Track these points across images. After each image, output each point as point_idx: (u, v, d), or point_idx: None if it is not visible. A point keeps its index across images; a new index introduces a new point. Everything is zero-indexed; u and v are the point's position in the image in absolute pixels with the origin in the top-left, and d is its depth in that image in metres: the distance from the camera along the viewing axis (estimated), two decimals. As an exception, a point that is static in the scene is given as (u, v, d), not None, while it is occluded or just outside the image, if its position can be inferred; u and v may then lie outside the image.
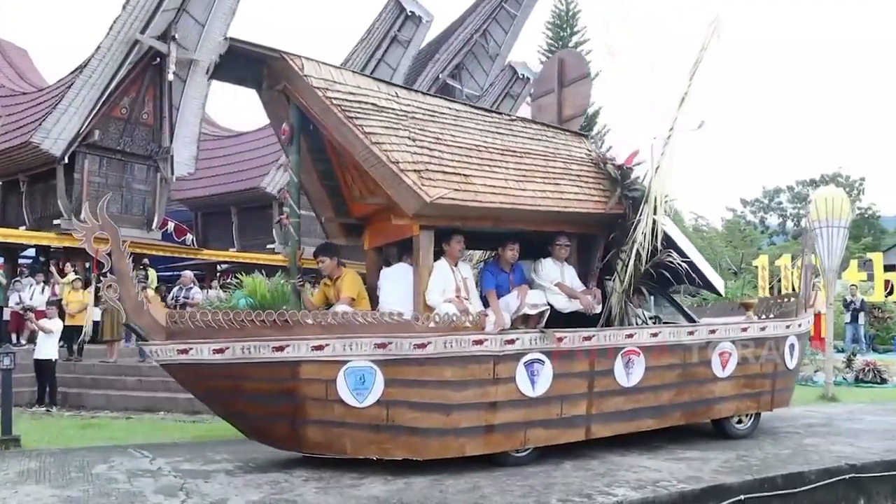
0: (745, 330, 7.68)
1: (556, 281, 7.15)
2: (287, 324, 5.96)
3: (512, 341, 6.33)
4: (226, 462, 7.01)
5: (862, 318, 21.01)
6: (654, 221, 6.81)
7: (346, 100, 6.44)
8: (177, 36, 21.74)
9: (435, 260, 6.68)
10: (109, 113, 21.49)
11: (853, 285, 21.91)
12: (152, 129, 22.66)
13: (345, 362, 5.94)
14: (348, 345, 5.95)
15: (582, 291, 7.26)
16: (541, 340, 6.44)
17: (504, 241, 7.10)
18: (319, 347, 5.93)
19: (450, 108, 7.22)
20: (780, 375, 7.99)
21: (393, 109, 6.65)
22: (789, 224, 62.63)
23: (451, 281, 6.66)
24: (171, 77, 22.02)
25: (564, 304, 7.07)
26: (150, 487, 5.95)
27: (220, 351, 5.84)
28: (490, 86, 33.59)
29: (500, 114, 7.76)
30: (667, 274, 7.18)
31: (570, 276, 7.32)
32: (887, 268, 27.27)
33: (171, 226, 25.66)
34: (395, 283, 6.85)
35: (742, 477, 6.19)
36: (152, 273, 19.76)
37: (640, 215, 6.82)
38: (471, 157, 6.73)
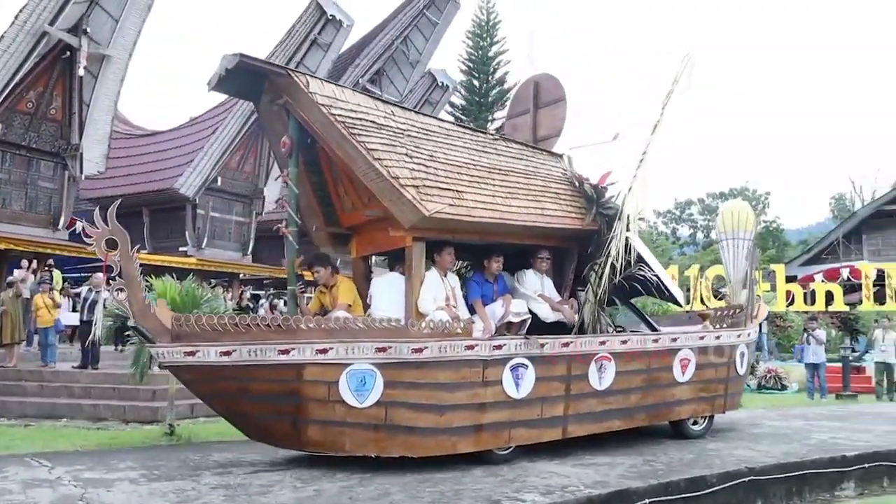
0: (702, 338, 8.80)
1: (538, 291, 8.09)
2: (291, 328, 6.64)
3: (500, 347, 7.17)
4: (130, 470, 7.19)
5: (765, 326, 22.73)
6: (627, 238, 7.80)
7: (349, 117, 7.16)
8: (88, 30, 21.80)
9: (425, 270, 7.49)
10: (14, 107, 21.38)
11: (756, 295, 23.56)
12: (61, 124, 22.63)
13: (347, 365, 6.62)
14: (350, 348, 6.64)
15: (559, 302, 8.21)
16: (525, 346, 7.32)
17: (490, 254, 7.96)
18: (323, 351, 6.59)
19: (441, 127, 8.05)
20: (732, 380, 9.16)
21: (390, 127, 7.42)
22: (699, 235, 66.17)
23: (441, 290, 7.48)
24: (81, 72, 22.03)
25: (547, 314, 8.00)
26: (47, 498, 5.98)
27: (227, 353, 6.42)
28: (409, 92, 34.63)
29: (485, 133, 8.65)
30: (637, 286, 8.21)
31: (549, 287, 8.27)
32: (789, 279, 29.65)
33: (79, 226, 25.51)
34: (387, 290, 7.60)
35: (647, 481, 6.60)
36: (57, 274, 19.72)
37: (614, 232, 7.80)
38: (461, 174, 7.57)
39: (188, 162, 25.76)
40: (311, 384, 6.62)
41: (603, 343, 7.87)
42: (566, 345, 7.61)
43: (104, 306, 14.01)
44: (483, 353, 7.06)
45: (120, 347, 16.80)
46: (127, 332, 11.00)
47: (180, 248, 25.80)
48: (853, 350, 21.38)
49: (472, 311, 7.74)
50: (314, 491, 6.25)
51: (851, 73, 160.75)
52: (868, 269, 28.41)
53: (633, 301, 9.29)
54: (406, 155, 7.23)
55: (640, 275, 7.98)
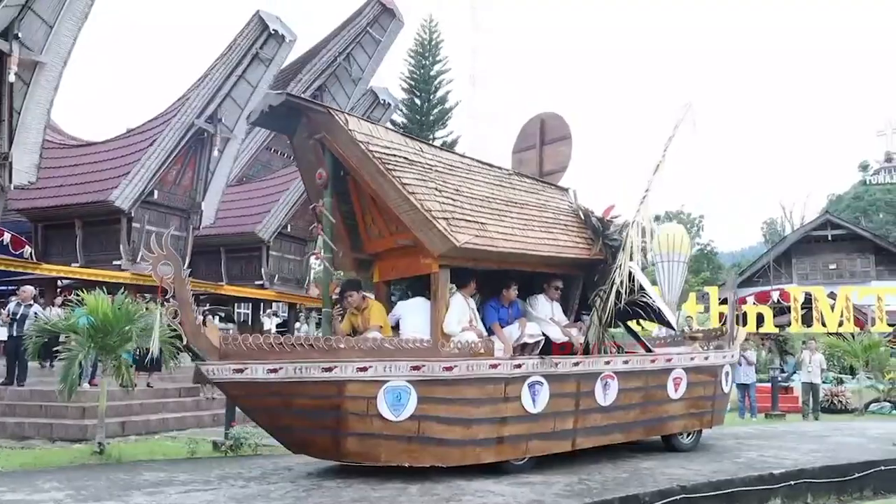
0: (693, 359, 9.85)
1: (549, 316, 9.03)
2: (333, 347, 7.42)
3: (519, 365, 8.10)
4: (56, 491, 7.16)
5: (699, 348, 23.98)
6: (630, 267, 8.80)
7: (384, 153, 7.99)
8: (20, 35, 21.57)
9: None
10: (-65, 114, 20.89)
11: (689, 316, 24.63)
12: (-13, 133, 22.03)
13: (385, 382, 7.42)
14: (388, 366, 7.44)
15: (566, 325, 9.15)
16: (541, 365, 8.25)
17: (505, 282, 8.87)
18: (363, 369, 7.38)
19: (462, 163, 8.94)
20: (718, 398, 10.25)
21: (420, 163, 8.27)
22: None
23: (465, 312, 8.35)
24: (12, 78, 21.46)
25: (557, 336, 8.93)
26: (-35, 522, 6.02)
27: (274, 370, 7.16)
28: (351, 109, 35.29)
29: (501, 168, 9.55)
30: (639, 311, 9.23)
31: (558, 311, 9.23)
32: (722, 301, 31.21)
33: (7, 237, 25.06)
34: (417, 313, 8.44)
35: (582, 500, 6.87)
36: (-19, 287, 19.54)
37: (619, 261, 8.78)
38: (483, 206, 8.46)
39: (124, 174, 24.98)
40: (351, 399, 7.38)
41: (608, 362, 8.84)
42: (576, 364, 8.56)
43: (34, 318, 14.02)
44: (505, 372, 7.95)
45: (48, 363, 16.39)
46: (56, 349, 10.91)
47: (114, 262, 24.94)
48: (782, 371, 22.70)
49: (489, 332, 8.61)
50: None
51: (786, 92, 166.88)
52: (797, 292, 30.09)
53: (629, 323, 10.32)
54: (436, 189, 8.09)
55: (642, 301, 8.99)
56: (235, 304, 35.14)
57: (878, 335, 25.44)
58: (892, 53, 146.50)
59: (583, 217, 9.48)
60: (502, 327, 8.71)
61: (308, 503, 6.71)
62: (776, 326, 28.26)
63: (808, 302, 29.06)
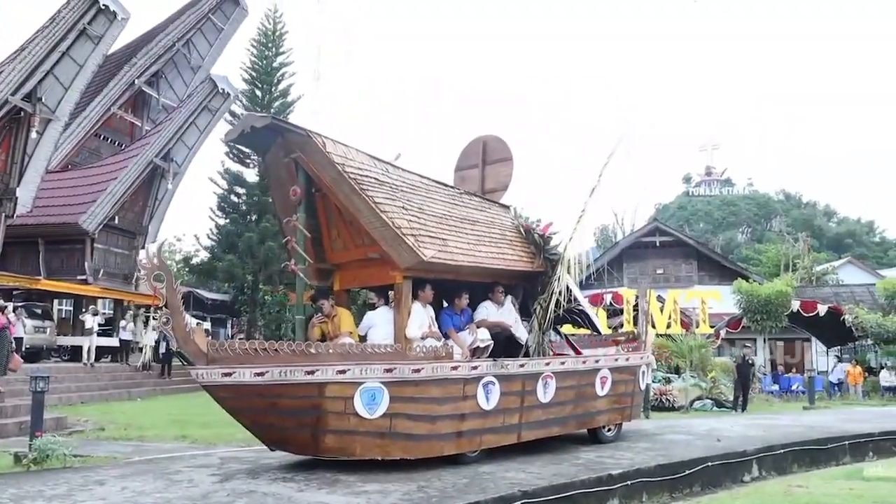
0: (616, 360, 11.25)
1: (493, 318, 10.20)
2: (313, 352, 8.33)
3: (476, 367, 9.23)
4: None
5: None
6: (567, 279, 10.09)
7: (358, 174, 8.93)
8: None
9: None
10: None
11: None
12: None
13: (361, 383, 8.38)
14: (364, 369, 8.41)
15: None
16: (493, 366, 9.40)
17: (459, 292, 9.94)
18: (342, 371, 8.31)
19: (422, 183, 9.96)
20: (637, 395, 11.70)
21: (388, 183, 9.25)
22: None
23: (425, 318, 9.39)
24: None
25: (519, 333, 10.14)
26: None
27: (261, 374, 8.01)
28: (188, 97, 34.70)
29: (453, 188, 10.63)
30: (576, 318, 10.54)
31: (508, 310, 10.37)
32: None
33: None
34: (382, 321, 9.43)
35: None
36: None
37: (558, 273, 10.05)
38: (442, 224, 9.53)
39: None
40: (331, 399, 8.30)
41: (547, 364, 10.10)
42: (522, 365, 9.77)
43: None
44: (464, 373, 9.06)
45: None
46: None
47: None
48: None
49: (445, 337, 9.68)
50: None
51: (618, 104, 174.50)
52: (629, 294, 32.00)
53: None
54: (403, 208, 9.09)
55: (578, 309, 10.31)
56: (55, 301, 33.25)
57: (701, 336, 27.43)
58: (718, 70, 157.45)
59: (524, 233, 10.70)
60: (457, 333, 9.80)
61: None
62: (610, 328, 30.01)
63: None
